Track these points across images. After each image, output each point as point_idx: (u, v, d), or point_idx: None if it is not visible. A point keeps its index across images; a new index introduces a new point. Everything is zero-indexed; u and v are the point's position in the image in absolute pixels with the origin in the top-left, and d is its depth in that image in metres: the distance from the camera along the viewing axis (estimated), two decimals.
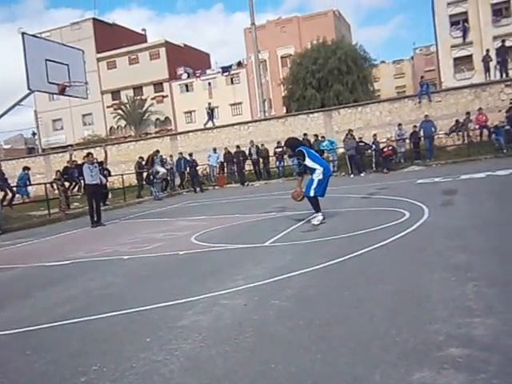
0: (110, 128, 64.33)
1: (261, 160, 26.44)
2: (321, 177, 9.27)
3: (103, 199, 20.55)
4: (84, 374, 3.45)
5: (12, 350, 4.18)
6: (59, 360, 3.80)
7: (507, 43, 27.64)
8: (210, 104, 33.45)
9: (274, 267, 6.12)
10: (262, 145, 26.65)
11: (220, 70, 62.26)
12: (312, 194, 9.29)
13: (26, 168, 24.54)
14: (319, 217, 9.27)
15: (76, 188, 22.10)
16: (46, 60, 12.80)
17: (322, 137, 25.56)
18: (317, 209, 9.36)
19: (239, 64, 61.68)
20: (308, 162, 9.35)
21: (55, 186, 19.87)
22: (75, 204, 21.19)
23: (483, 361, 2.99)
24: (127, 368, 3.47)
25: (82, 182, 18.26)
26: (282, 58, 57.88)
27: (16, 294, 6.34)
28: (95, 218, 13.63)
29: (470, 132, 23.48)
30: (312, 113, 29.19)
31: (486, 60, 26.97)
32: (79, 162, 21.28)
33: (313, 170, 9.36)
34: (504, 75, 25.74)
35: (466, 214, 8.64)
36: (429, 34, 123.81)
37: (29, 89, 12.44)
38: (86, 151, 29.80)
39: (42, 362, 3.79)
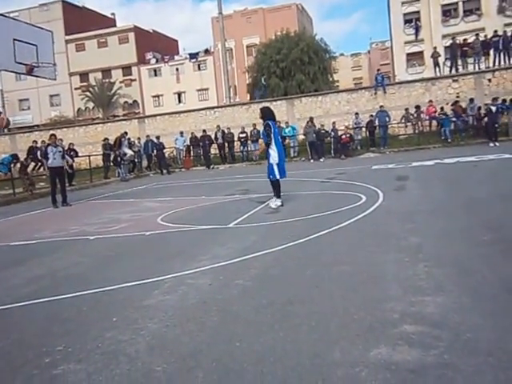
0: (78, 109, 63.34)
1: (226, 144, 26.67)
2: (277, 160, 9.44)
3: (69, 179, 20.36)
4: (49, 354, 3.43)
5: None
6: (23, 340, 3.78)
7: (457, 41, 28.76)
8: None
9: (238, 248, 6.22)
10: (228, 128, 26.83)
11: (188, 56, 62.38)
12: (278, 177, 9.45)
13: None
14: (278, 202, 9.44)
15: (42, 168, 21.75)
16: (14, 40, 12.49)
17: (286, 123, 25.93)
18: (278, 194, 9.52)
19: (206, 51, 61.98)
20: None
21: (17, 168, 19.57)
22: (41, 184, 20.85)
23: (435, 337, 3.13)
24: (93, 348, 3.47)
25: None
26: (247, 47, 58.44)
27: None
28: (61, 199, 13.52)
29: (422, 122, 24.84)
30: (275, 100, 29.75)
31: (434, 56, 28.24)
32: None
33: (269, 154, 9.52)
34: (454, 70, 27.09)
35: (418, 199, 8.98)
36: (385, 30, 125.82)
37: None
38: (52, 132, 29.40)
39: (5, 343, 3.76)
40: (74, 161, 22.05)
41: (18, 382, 3.09)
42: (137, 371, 3.07)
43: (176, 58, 64.29)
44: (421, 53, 45.22)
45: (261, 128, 10.32)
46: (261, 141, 24.71)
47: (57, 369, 3.20)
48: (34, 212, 12.89)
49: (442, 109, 24.39)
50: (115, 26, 69.09)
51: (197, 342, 3.45)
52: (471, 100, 23.90)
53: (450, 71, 27.33)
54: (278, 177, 9.46)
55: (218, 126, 27.06)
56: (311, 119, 24.80)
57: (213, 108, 33.01)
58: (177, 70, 62.59)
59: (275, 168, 9.43)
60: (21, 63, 12.93)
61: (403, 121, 25.31)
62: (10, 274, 6.03)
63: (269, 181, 9.69)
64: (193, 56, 61.52)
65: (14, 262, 6.77)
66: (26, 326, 4.11)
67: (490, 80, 25.68)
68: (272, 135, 9.43)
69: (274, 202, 9.44)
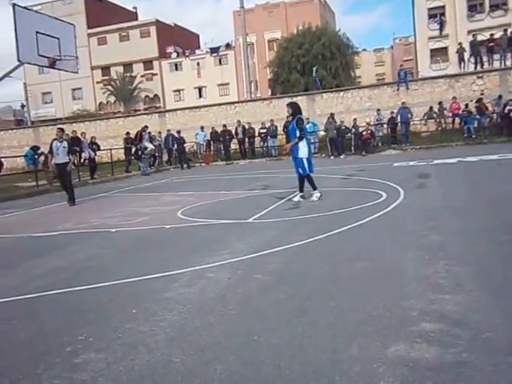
0: (100, 103, 63.82)
1: (246, 139, 26.65)
2: (306, 155, 9.52)
3: (91, 173, 20.63)
4: (70, 343, 3.49)
5: None
6: (45, 330, 3.84)
7: (479, 37, 28.44)
8: None
9: (257, 243, 6.24)
10: (249, 123, 26.80)
11: (209, 50, 62.37)
12: (308, 171, 9.55)
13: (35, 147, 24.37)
14: (317, 193, 9.55)
15: None
16: (37, 32, 12.61)
17: (307, 119, 25.81)
18: (314, 186, 9.62)
19: (227, 46, 61.89)
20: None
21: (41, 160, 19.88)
22: None
23: (454, 335, 3.12)
24: (113, 338, 3.52)
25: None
26: (268, 41, 58.18)
27: (3, 264, 6.38)
28: (72, 196, 12.80)
29: (445, 119, 24.50)
30: (296, 96, 29.49)
31: (459, 52, 27.64)
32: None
33: (297, 148, 9.54)
34: (479, 67, 26.65)
35: (439, 197, 8.89)
36: (408, 25, 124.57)
37: (19, 61, 12.27)
38: (75, 125, 29.81)
39: (28, 332, 3.83)
40: (96, 154, 22.31)
41: (41, 369, 3.14)
42: (156, 362, 3.11)
43: (197, 52, 64.36)
44: (445, 49, 44.44)
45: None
46: (280, 137, 24.87)
47: (78, 358, 3.25)
48: (56, 204, 13.09)
49: (466, 106, 23.95)
50: (137, 19, 69.44)
51: (215, 334, 3.47)
52: (500, 97, 23.30)
53: (475, 68, 26.86)
54: (307, 172, 9.54)
55: (239, 121, 27.04)
56: (332, 115, 24.61)
57: (233, 103, 33.01)
58: (198, 64, 62.61)
59: (305, 162, 9.50)
60: (43, 56, 13.06)
61: (426, 117, 24.97)
62: (33, 265, 6.14)
63: (297, 176, 9.76)
64: (214, 50, 61.55)
65: (36, 253, 6.89)
66: (48, 316, 4.17)
67: None
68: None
69: (315, 195, 9.52)
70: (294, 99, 27.71)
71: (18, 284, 5.26)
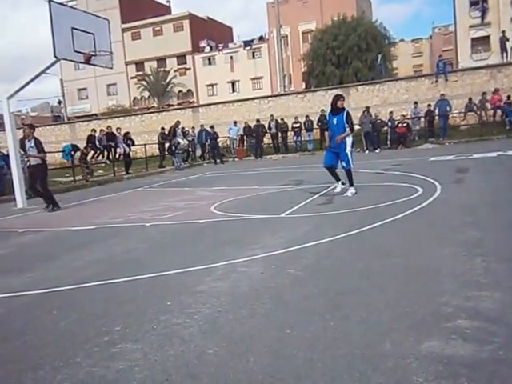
0: (134, 99, 64.56)
1: (279, 134, 26.53)
2: (351, 148, 9.56)
3: (126, 168, 20.96)
4: (107, 333, 3.60)
5: (40, 310, 4.35)
6: (84, 320, 3.96)
7: None
8: None
9: (290, 238, 6.25)
10: (282, 119, 26.68)
11: (242, 43, 62.07)
12: (352, 166, 9.56)
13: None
14: (352, 190, 9.55)
15: (100, 156, 22.44)
16: (72, 28, 12.79)
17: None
18: (352, 182, 9.62)
19: (261, 38, 61.42)
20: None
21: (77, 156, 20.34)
22: (100, 172, 21.54)
23: (490, 333, 3.07)
24: (148, 329, 3.61)
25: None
26: (303, 33, 57.38)
27: (44, 256, 6.57)
28: (48, 201, 11.55)
29: (486, 111, 23.67)
30: (330, 89, 29.18)
31: (502, 41, 26.64)
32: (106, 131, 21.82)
33: (345, 142, 9.53)
34: None
35: (478, 192, 8.69)
36: (448, 14, 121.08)
37: (55, 57, 12.47)
38: (110, 121, 30.26)
39: (67, 322, 3.95)
40: (130, 149, 22.62)
41: (80, 358, 3.24)
42: (190, 353, 3.17)
43: (230, 45, 64.18)
44: (487, 37, 43.12)
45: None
46: (316, 131, 24.66)
47: (115, 347, 3.35)
48: (93, 199, 13.36)
49: (508, 97, 23.04)
50: (170, 13, 69.56)
51: (248, 327, 3.51)
52: None
53: None
54: (352, 165, 9.54)
55: (272, 116, 26.92)
56: (367, 109, 24.18)
57: (267, 97, 32.85)
58: (231, 58, 62.57)
59: (350, 156, 9.50)
60: (79, 52, 13.24)
61: (467, 109, 24.16)
62: (72, 257, 6.30)
63: (344, 170, 9.70)
64: (247, 43, 61.21)
65: (75, 246, 7.08)
66: (86, 307, 4.28)
67: None
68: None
69: (350, 191, 9.53)
70: (329, 92, 27.55)
71: (59, 276, 5.41)
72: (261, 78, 60.66)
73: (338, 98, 9.71)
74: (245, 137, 27.53)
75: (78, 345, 3.45)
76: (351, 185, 9.62)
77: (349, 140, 9.51)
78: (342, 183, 9.82)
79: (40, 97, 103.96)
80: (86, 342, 3.49)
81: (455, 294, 3.77)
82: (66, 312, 4.19)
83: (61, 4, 13.86)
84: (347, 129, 9.43)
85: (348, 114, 9.50)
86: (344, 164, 9.57)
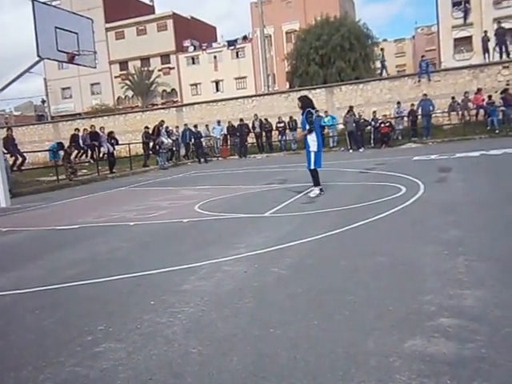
0: (118, 98, 64.24)
1: (263, 133, 26.62)
2: (316, 149, 9.47)
3: (110, 167, 20.85)
4: (90, 333, 3.57)
5: (22, 309, 4.31)
6: (67, 319, 3.94)
7: (506, 25, 27.50)
8: None
9: (274, 237, 6.25)
10: (266, 119, 26.76)
11: (226, 43, 61.99)
12: (313, 166, 9.51)
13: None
14: (316, 190, 9.51)
15: (83, 156, 22.31)
16: (56, 28, 12.71)
17: (325, 112, 25.67)
18: (316, 182, 9.58)
19: (245, 38, 61.44)
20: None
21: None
22: (83, 171, 21.41)
23: (472, 331, 3.10)
24: (132, 329, 3.60)
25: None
26: (286, 33, 57.44)
27: (27, 256, 6.52)
28: None
29: (469, 111, 23.95)
30: (314, 89, 29.39)
31: (484, 41, 27.00)
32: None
33: (308, 142, 9.54)
34: (504, 56, 25.96)
35: (460, 191, 8.79)
36: (431, 14, 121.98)
37: (38, 56, 12.37)
38: (94, 120, 30.09)
39: (50, 321, 3.93)
40: (114, 149, 22.48)
41: (63, 357, 3.22)
42: (173, 352, 3.16)
43: (214, 45, 64.12)
44: (469, 38, 43.39)
45: (299, 117, 10.28)
46: (299, 130, 24.72)
47: (98, 347, 3.33)
48: (77, 198, 13.26)
49: (489, 97, 23.32)
50: (154, 12, 69.38)
51: (232, 326, 3.51)
52: None
53: (500, 57, 26.11)
54: (312, 167, 9.52)
55: (256, 115, 27.00)
56: (351, 108, 24.41)
57: (251, 97, 32.94)
58: (215, 57, 62.49)
59: (312, 157, 9.48)
60: (63, 51, 13.15)
61: (450, 109, 24.43)
62: (55, 257, 6.26)
63: (308, 170, 9.74)
64: (231, 43, 61.17)
65: (58, 245, 7.03)
66: (69, 306, 4.27)
67: None
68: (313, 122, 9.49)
69: (313, 191, 9.50)
70: (313, 92, 27.64)
71: (42, 275, 5.37)
72: (245, 77, 60.73)
73: (299, 98, 9.95)
74: (228, 136, 27.56)
75: (61, 344, 3.43)
76: (315, 185, 9.60)
77: (311, 140, 9.48)
78: (321, 189, 9.70)
79: (24, 96, 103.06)
80: (69, 341, 3.47)
81: (438, 293, 3.80)
82: (49, 311, 4.16)
83: (44, 3, 13.77)
84: (307, 128, 9.50)
85: (307, 113, 9.47)
86: (307, 163, 9.60)
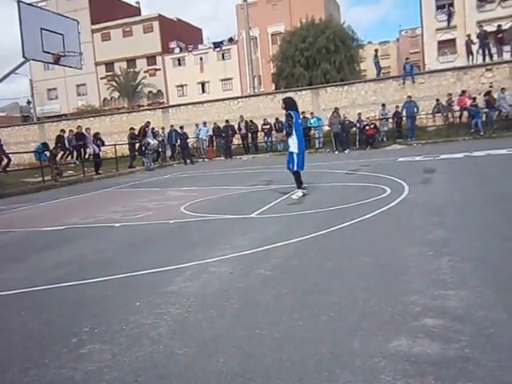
0: (104, 99, 63.92)
1: (249, 135, 26.66)
2: (297, 151, 9.49)
3: (96, 168, 20.74)
4: (76, 334, 3.56)
5: (7, 311, 4.29)
6: (52, 321, 3.91)
7: (489, 28, 27.89)
8: None
9: (260, 238, 6.26)
10: (251, 120, 26.82)
11: (212, 45, 61.81)
12: (295, 168, 9.53)
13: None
14: (299, 192, 9.52)
15: (69, 157, 22.18)
16: (42, 29, 12.65)
17: (311, 113, 25.77)
18: (298, 184, 9.61)
19: (230, 40, 61.44)
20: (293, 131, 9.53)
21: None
22: (69, 172, 21.28)
23: (456, 331, 3.13)
24: (118, 330, 3.58)
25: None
26: (272, 35, 57.54)
27: (12, 257, 6.48)
28: None
29: (453, 113, 24.14)
30: (300, 90, 29.44)
31: (468, 43, 27.27)
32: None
33: (288, 144, 9.59)
34: (488, 59, 26.21)
35: (444, 192, 8.85)
36: (415, 17, 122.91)
37: (24, 57, 12.31)
38: (80, 121, 29.95)
39: (35, 323, 3.90)
40: (100, 150, 22.37)
41: (48, 359, 3.20)
42: (159, 353, 3.16)
43: (200, 47, 64.10)
44: (453, 40, 43.65)
45: (284, 118, 10.32)
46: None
47: (84, 348, 3.32)
48: (63, 199, 13.18)
49: (473, 99, 23.42)
50: (140, 14, 69.18)
51: (217, 327, 3.51)
52: (502, 90, 22.97)
53: (483, 60, 26.33)
54: (295, 168, 9.53)
55: (242, 117, 27.04)
56: (336, 110, 24.48)
57: (236, 98, 32.91)
58: (201, 59, 62.44)
59: (295, 158, 9.50)
60: (48, 52, 13.09)
61: (435, 110, 24.58)
62: (41, 258, 6.22)
63: (290, 172, 9.75)
64: (217, 45, 61.05)
65: (44, 246, 6.98)
66: (54, 308, 4.24)
67: None
68: (293, 125, 9.46)
69: (296, 193, 9.51)
70: (299, 93, 27.71)
71: (27, 277, 5.33)
72: (230, 79, 60.69)
73: (283, 99, 10.03)
74: (214, 137, 27.55)
75: (45, 346, 3.41)
76: (298, 187, 9.63)
77: (292, 142, 9.51)
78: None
79: (9, 97, 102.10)
80: (54, 343, 3.45)
81: (422, 293, 3.83)
82: (34, 313, 4.13)
83: (30, 5, 13.72)
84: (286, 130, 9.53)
85: (287, 115, 9.52)
86: (290, 166, 9.63)
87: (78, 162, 22.07)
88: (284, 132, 9.87)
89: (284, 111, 9.87)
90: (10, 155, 21.11)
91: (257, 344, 3.19)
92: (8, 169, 19.47)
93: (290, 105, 9.76)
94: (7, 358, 3.28)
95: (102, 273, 5.13)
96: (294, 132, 9.46)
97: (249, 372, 2.83)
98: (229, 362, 2.97)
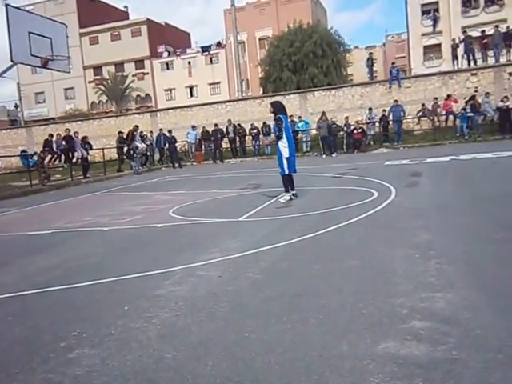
0: (92, 103, 63.85)
1: (237, 138, 26.68)
2: (287, 154, 9.51)
3: (84, 172, 20.63)
4: (64, 339, 3.53)
5: None
6: (40, 326, 3.88)
7: (474, 33, 28.19)
8: None
9: (249, 241, 6.27)
10: (239, 124, 26.88)
11: (200, 49, 62.17)
12: (286, 171, 9.54)
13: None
14: (286, 196, 9.54)
15: (57, 160, 22.05)
16: (30, 33, 12.58)
17: (299, 117, 25.87)
18: (286, 188, 9.64)
19: (218, 44, 61.85)
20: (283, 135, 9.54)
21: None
22: (57, 176, 21.14)
23: (443, 333, 3.15)
24: (106, 334, 3.57)
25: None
26: (260, 39, 58.07)
27: None
28: None
29: (439, 117, 24.37)
30: (288, 94, 29.57)
31: (453, 48, 27.59)
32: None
33: (278, 148, 9.60)
34: (472, 64, 26.53)
35: (431, 196, 8.93)
36: (401, 22, 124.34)
37: (12, 61, 12.24)
38: (67, 125, 29.82)
39: (22, 328, 3.87)
40: (88, 153, 22.27)
41: (36, 364, 3.18)
42: (148, 357, 3.15)
43: (188, 51, 64.40)
44: (438, 45, 44.32)
45: (271, 122, 10.35)
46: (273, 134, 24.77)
47: (72, 353, 3.30)
48: (50, 203, 13.08)
49: (466, 103, 23.42)
50: (128, 18, 69.40)
51: (206, 331, 3.51)
52: (487, 94, 23.24)
53: (469, 65, 26.65)
54: (286, 171, 9.54)
55: (230, 120, 27.06)
56: (324, 113, 24.58)
57: (224, 102, 33.06)
58: (189, 63, 62.69)
59: (284, 162, 9.51)
60: (36, 56, 13.03)
61: (420, 114, 24.78)
62: (27, 262, 6.15)
63: (280, 176, 9.77)
64: (205, 49, 61.35)
65: (30, 250, 6.93)
66: (41, 312, 4.20)
67: (510, 74, 24.95)
68: (283, 129, 9.49)
69: (283, 197, 9.53)
70: (287, 97, 27.83)
71: (13, 281, 5.28)
72: (218, 83, 60.97)
73: (271, 103, 10.17)
74: (203, 141, 27.52)
75: (33, 351, 3.39)
76: (285, 191, 9.65)
77: (282, 145, 9.52)
78: (294, 195, 9.73)
79: None
80: (42, 347, 3.43)
81: (410, 296, 3.85)
82: (21, 318, 4.10)
83: (18, 8, 13.64)
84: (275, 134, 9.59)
85: (277, 119, 9.55)
86: (279, 169, 9.66)
87: (65, 166, 21.95)
88: (273, 136, 9.89)
89: (271, 115, 9.90)
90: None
91: (246, 347, 3.19)
92: None
93: (278, 108, 9.80)
94: None
95: (89, 277, 5.10)
96: (284, 135, 9.48)
97: (238, 375, 2.83)
98: (218, 366, 2.96)
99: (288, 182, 9.64)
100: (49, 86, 63.63)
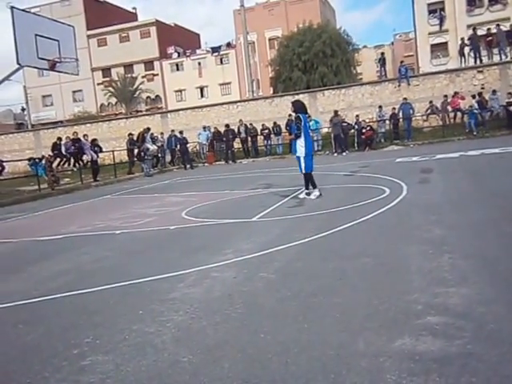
0: (101, 105, 63.95)
1: (249, 138, 26.70)
2: (303, 154, 9.55)
3: (94, 175, 20.67)
4: (77, 346, 3.50)
5: (4, 324, 4.22)
6: (52, 333, 3.85)
7: (479, 32, 28.21)
8: None
9: (262, 241, 6.26)
10: (251, 124, 26.91)
11: (210, 50, 62.38)
12: (307, 170, 9.61)
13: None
14: (316, 192, 9.62)
15: (66, 164, 22.11)
16: (36, 35, 12.59)
17: (309, 116, 25.75)
18: (313, 185, 9.71)
19: (228, 45, 61.93)
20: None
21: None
22: (66, 179, 21.20)
23: (458, 328, 3.14)
24: (120, 340, 3.54)
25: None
26: (269, 40, 58.25)
27: (8, 268, 6.40)
28: None
29: (448, 114, 24.53)
30: (298, 94, 29.51)
31: (462, 47, 27.82)
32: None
33: (296, 147, 9.65)
34: (478, 61, 26.66)
35: (442, 191, 8.92)
36: (409, 21, 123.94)
37: (18, 64, 12.26)
38: (76, 128, 29.93)
39: (34, 335, 3.83)
40: (98, 156, 22.32)
41: (48, 373, 3.15)
42: (163, 362, 3.13)
43: (198, 52, 64.44)
44: (445, 44, 44.60)
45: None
46: (284, 135, 24.88)
47: (85, 360, 3.27)
48: (60, 207, 13.10)
49: (474, 97, 23.72)
50: (136, 20, 69.50)
51: (222, 333, 3.49)
52: (493, 92, 23.47)
53: (475, 62, 26.83)
54: (307, 171, 9.62)
55: (241, 121, 27.13)
56: (336, 112, 24.57)
57: (235, 102, 33.12)
58: (199, 64, 62.77)
59: (302, 161, 9.56)
60: (43, 59, 13.04)
61: (429, 111, 24.97)
62: (38, 269, 6.14)
63: (302, 174, 9.84)
64: (215, 50, 61.56)
65: (42, 256, 6.91)
66: (54, 319, 4.18)
67: None
68: (302, 128, 9.51)
69: (313, 193, 9.61)
70: (296, 97, 27.78)
71: (24, 288, 5.26)
72: (229, 83, 60.98)
73: (292, 102, 10.20)
74: (214, 142, 27.53)
75: (45, 359, 3.35)
76: (313, 187, 9.71)
77: (299, 145, 9.58)
78: (307, 193, 9.81)
79: (2, 104, 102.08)
80: (55, 355, 3.39)
81: (424, 292, 3.84)
82: (33, 325, 4.07)
83: (23, 11, 13.67)
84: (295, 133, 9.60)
85: (296, 118, 9.61)
86: (300, 169, 9.73)
87: (75, 169, 22.03)
88: (286, 135, 9.93)
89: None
90: (4, 163, 20.90)
91: (262, 348, 3.17)
92: (2, 177, 19.25)
93: (298, 107, 9.87)
94: (6, 373, 3.23)
95: (102, 282, 5.09)
96: (302, 135, 9.50)
97: (255, 377, 2.82)
98: (234, 368, 2.95)
99: (311, 179, 9.70)
100: (56, 88, 63.80)
